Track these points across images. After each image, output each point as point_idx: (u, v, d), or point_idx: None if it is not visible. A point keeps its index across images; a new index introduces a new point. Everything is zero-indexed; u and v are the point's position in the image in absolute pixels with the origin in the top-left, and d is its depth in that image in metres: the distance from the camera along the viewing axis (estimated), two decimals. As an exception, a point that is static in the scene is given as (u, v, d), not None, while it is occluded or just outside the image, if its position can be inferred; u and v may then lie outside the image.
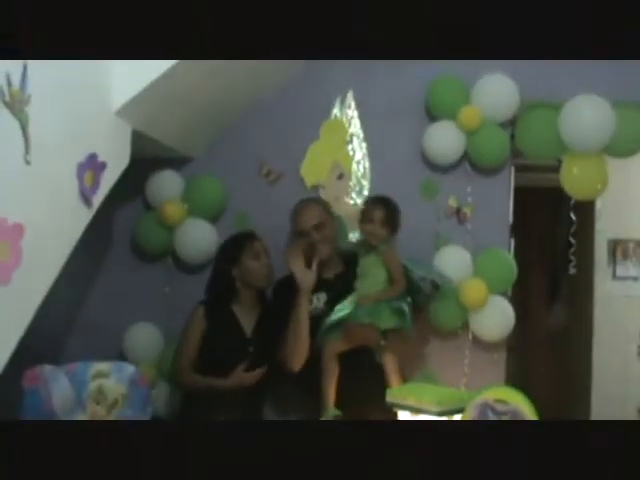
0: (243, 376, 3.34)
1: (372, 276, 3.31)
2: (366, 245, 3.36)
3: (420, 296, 3.39)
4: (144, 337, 3.96)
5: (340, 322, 3.27)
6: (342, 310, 3.27)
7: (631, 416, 5.23)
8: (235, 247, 3.55)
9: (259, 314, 3.58)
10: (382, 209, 3.34)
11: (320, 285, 3.49)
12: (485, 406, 2.58)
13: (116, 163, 2.96)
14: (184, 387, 3.55)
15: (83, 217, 2.71)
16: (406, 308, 3.25)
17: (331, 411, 3.18)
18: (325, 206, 3.65)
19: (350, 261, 3.45)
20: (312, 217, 3.51)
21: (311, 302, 3.48)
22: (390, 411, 3.08)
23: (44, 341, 3.17)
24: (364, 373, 3.34)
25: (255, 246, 3.53)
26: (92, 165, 2.63)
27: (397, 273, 3.29)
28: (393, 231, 3.37)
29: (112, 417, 2.67)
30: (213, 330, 3.49)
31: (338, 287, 3.43)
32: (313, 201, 3.69)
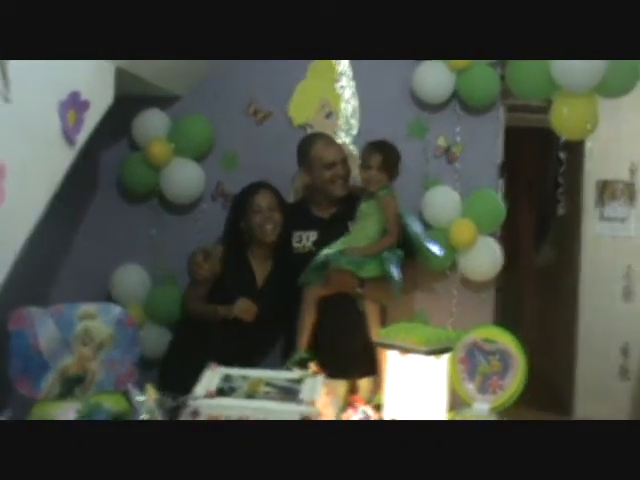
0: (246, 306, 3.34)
1: (367, 224, 3.29)
2: (366, 191, 3.33)
3: (412, 247, 3.38)
4: (131, 279, 3.96)
5: (324, 265, 3.26)
6: (326, 252, 3.25)
7: (616, 353, 5.32)
8: (242, 200, 3.49)
9: (273, 264, 3.53)
10: (379, 154, 3.29)
11: (313, 223, 3.49)
12: (473, 345, 2.59)
13: (100, 102, 2.89)
14: (191, 312, 3.50)
15: (66, 157, 2.65)
16: (392, 260, 3.23)
17: (301, 354, 3.18)
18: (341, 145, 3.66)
19: (349, 202, 3.42)
20: (340, 150, 3.51)
21: (300, 240, 3.46)
22: (368, 359, 3.11)
23: (30, 283, 3.15)
24: (345, 318, 3.34)
25: (257, 200, 3.42)
26: (74, 104, 2.57)
27: (392, 223, 3.27)
28: (391, 177, 3.33)
29: (99, 358, 2.67)
30: (226, 274, 3.44)
31: (331, 227, 3.42)
32: (331, 137, 3.68)
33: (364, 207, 3.33)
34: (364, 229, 3.29)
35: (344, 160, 3.48)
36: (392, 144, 3.39)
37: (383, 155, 3.30)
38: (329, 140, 3.58)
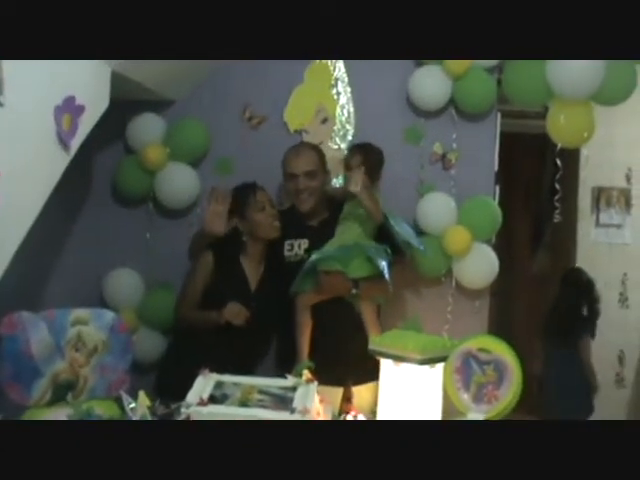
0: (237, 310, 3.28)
1: (351, 225, 3.27)
2: (348, 193, 3.29)
3: (397, 245, 3.35)
4: (125, 283, 3.94)
5: (313, 270, 3.24)
6: (313, 257, 3.23)
7: (611, 361, 5.31)
8: (239, 201, 3.42)
9: (264, 268, 3.51)
10: (361, 156, 3.29)
11: (303, 231, 3.46)
12: (468, 355, 2.58)
13: (95, 106, 2.87)
14: (183, 321, 3.48)
15: (60, 162, 2.63)
16: (379, 256, 3.20)
17: (304, 363, 3.15)
18: (321, 155, 3.51)
19: (337, 207, 3.40)
20: (305, 163, 3.41)
21: (292, 248, 3.44)
22: (366, 365, 3.08)
23: (23, 287, 3.13)
24: (342, 323, 3.31)
25: (259, 197, 3.42)
26: (69, 108, 2.55)
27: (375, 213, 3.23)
28: (373, 179, 3.31)
29: (91, 364, 2.65)
30: (219, 280, 3.40)
31: (321, 234, 3.38)
32: (310, 147, 3.56)
33: (347, 208, 3.32)
34: (349, 230, 3.28)
35: (310, 173, 3.40)
36: (376, 147, 3.38)
37: (364, 157, 3.29)
38: (302, 150, 3.49)
